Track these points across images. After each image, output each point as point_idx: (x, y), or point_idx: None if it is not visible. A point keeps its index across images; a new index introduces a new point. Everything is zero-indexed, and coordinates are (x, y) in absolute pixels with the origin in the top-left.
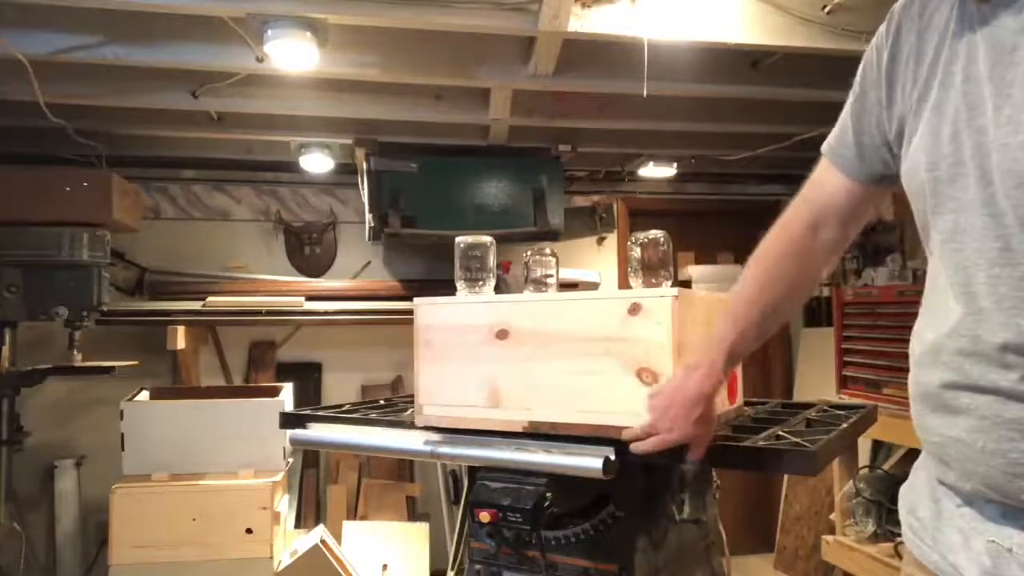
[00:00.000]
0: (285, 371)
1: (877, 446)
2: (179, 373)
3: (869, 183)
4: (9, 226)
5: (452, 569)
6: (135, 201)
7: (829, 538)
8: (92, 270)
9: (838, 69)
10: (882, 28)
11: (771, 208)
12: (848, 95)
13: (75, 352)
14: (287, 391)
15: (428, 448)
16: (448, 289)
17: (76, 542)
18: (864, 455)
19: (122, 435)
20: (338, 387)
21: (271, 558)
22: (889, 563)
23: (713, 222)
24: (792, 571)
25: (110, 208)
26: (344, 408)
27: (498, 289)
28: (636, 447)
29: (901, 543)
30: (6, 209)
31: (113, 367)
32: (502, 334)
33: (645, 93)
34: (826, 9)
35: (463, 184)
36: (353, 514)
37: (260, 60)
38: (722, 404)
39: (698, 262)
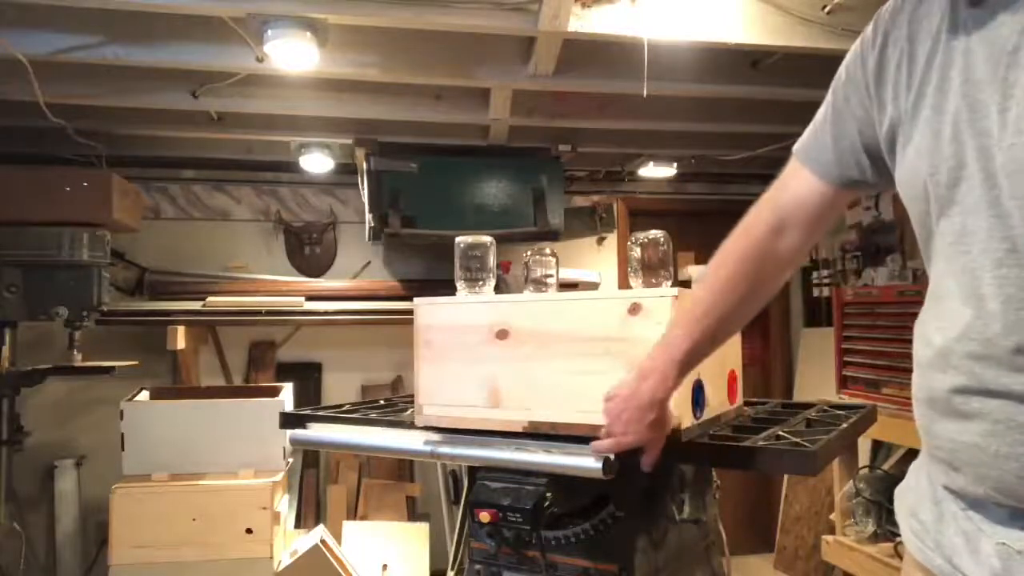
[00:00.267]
0: (285, 371)
1: (877, 446)
2: (179, 373)
3: (840, 187)
4: (9, 226)
5: (452, 569)
6: (135, 201)
7: (829, 538)
8: (92, 270)
9: (838, 69)
10: (867, 33)
11: None
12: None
13: (75, 352)
14: (287, 391)
15: (428, 448)
16: (448, 289)
17: (76, 542)
18: (864, 455)
19: (122, 435)
20: (338, 387)
21: (271, 558)
22: (889, 563)
23: (713, 222)
24: (792, 571)
25: (110, 208)
26: (344, 408)
27: (498, 289)
28: (595, 445)
29: (901, 543)
30: (6, 209)
31: (113, 367)
32: (502, 334)
33: (645, 93)
34: (826, 9)
35: (463, 184)
36: (353, 514)
37: (260, 60)
38: (721, 405)
39: (698, 262)
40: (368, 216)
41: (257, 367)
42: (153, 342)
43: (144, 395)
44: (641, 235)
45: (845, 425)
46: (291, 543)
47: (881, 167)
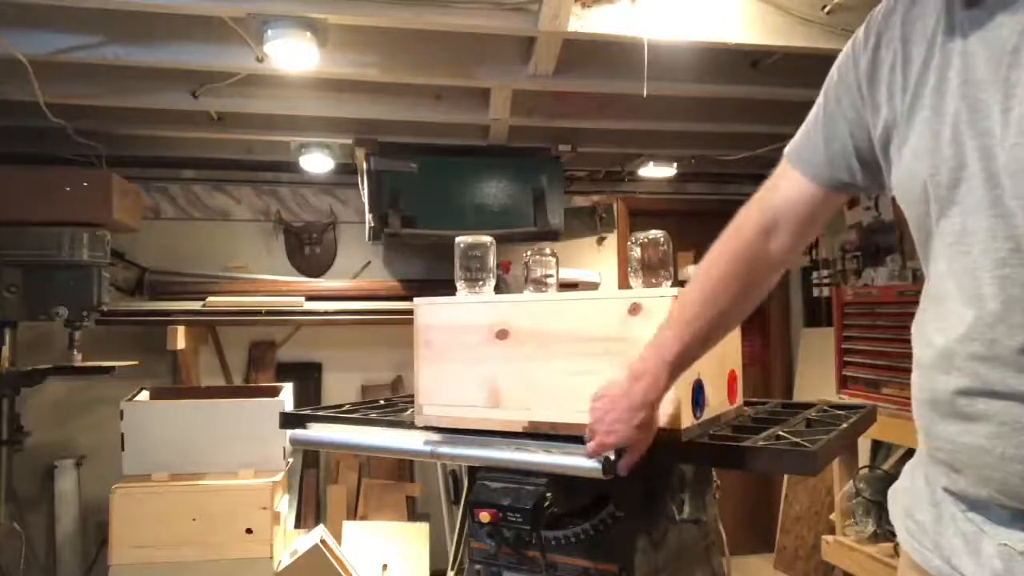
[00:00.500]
0: (285, 371)
1: (877, 446)
2: (179, 373)
3: (830, 190)
4: (9, 226)
5: (452, 569)
6: (135, 201)
7: (829, 538)
8: (92, 270)
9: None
10: (859, 34)
11: None
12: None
13: (75, 352)
14: (287, 391)
15: (428, 448)
16: (448, 289)
17: (76, 542)
18: (864, 455)
19: (122, 435)
20: (338, 387)
21: (271, 558)
22: (889, 563)
23: (713, 222)
24: (792, 571)
25: (110, 208)
26: (344, 408)
27: (498, 289)
28: (588, 447)
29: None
30: (6, 209)
31: (113, 367)
32: (502, 334)
33: (645, 93)
34: (826, 9)
35: (463, 184)
36: (353, 514)
37: (260, 60)
38: (721, 405)
39: (698, 262)
40: (368, 216)
41: (257, 367)
42: (153, 342)
43: (144, 395)
44: (641, 235)
45: (845, 425)
46: (291, 543)
47: (872, 169)
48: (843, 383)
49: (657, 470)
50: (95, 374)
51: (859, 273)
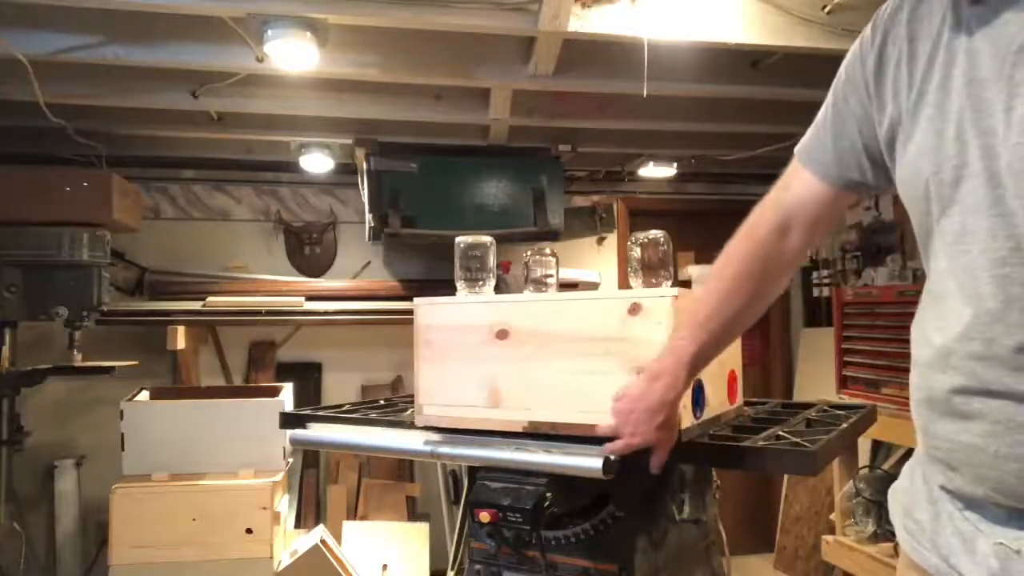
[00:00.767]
0: (285, 371)
1: (877, 446)
2: (179, 373)
3: (841, 188)
4: (9, 226)
5: (452, 569)
6: (135, 201)
7: (829, 538)
8: (92, 270)
9: (838, 69)
10: (866, 33)
11: None
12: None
13: (75, 352)
14: (287, 391)
15: (428, 448)
16: (448, 289)
17: (76, 542)
18: (864, 455)
19: (122, 435)
20: (338, 387)
21: (271, 558)
22: (889, 563)
23: (713, 222)
24: (792, 571)
25: (110, 208)
26: (344, 408)
27: (498, 289)
28: (607, 448)
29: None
30: (6, 209)
31: (113, 367)
32: (502, 334)
33: (645, 93)
34: (826, 9)
35: (463, 184)
36: (353, 514)
37: (260, 60)
38: (721, 405)
39: (698, 262)
40: (368, 216)
41: (257, 367)
42: (153, 342)
43: (144, 395)
44: (641, 235)
45: (845, 425)
46: (291, 543)
47: (882, 168)
48: (843, 383)
49: (659, 470)
50: (95, 374)
51: (859, 273)
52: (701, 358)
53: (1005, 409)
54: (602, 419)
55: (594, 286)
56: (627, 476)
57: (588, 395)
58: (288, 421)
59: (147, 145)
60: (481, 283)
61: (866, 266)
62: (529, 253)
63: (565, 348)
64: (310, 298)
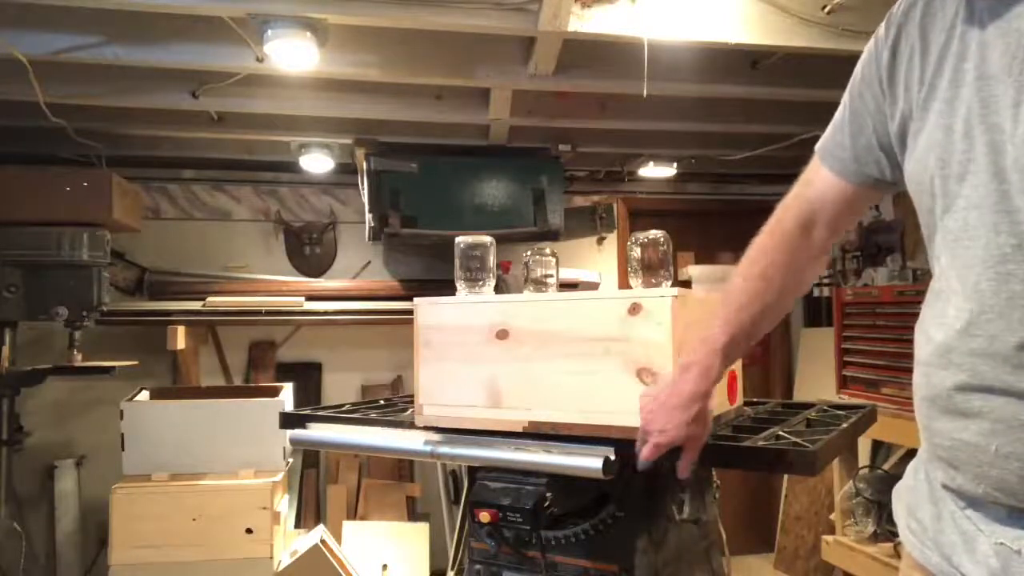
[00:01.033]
0: (285, 371)
1: (877, 446)
2: (179, 373)
3: (860, 185)
4: (9, 226)
5: (452, 569)
6: (135, 201)
7: (829, 538)
8: (92, 270)
9: (838, 69)
10: (880, 30)
11: (771, 208)
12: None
13: (75, 352)
14: (287, 391)
15: (428, 448)
16: (448, 289)
17: (76, 542)
18: (864, 455)
19: (122, 435)
20: (338, 387)
21: (271, 558)
22: (889, 563)
23: (713, 222)
24: (792, 571)
25: (110, 208)
26: (344, 408)
27: (498, 289)
28: (642, 455)
29: (901, 543)
30: (6, 209)
31: (113, 367)
32: (502, 334)
33: (645, 93)
34: (826, 9)
35: (463, 184)
36: (353, 514)
37: (260, 60)
38: (721, 405)
39: (698, 262)
40: (368, 216)
41: (257, 367)
42: (153, 342)
43: (144, 395)
44: (641, 235)
45: (845, 425)
46: (291, 543)
47: (898, 163)
48: (843, 383)
49: (657, 470)
50: (95, 374)
51: (859, 273)
52: (733, 347)
53: (1006, 407)
54: (602, 419)
55: (594, 286)
56: (627, 476)
57: (588, 395)
58: (288, 421)
59: (147, 145)
60: (481, 283)
61: (866, 266)
62: (529, 253)
63: (565, 348)
64: (310, 298)
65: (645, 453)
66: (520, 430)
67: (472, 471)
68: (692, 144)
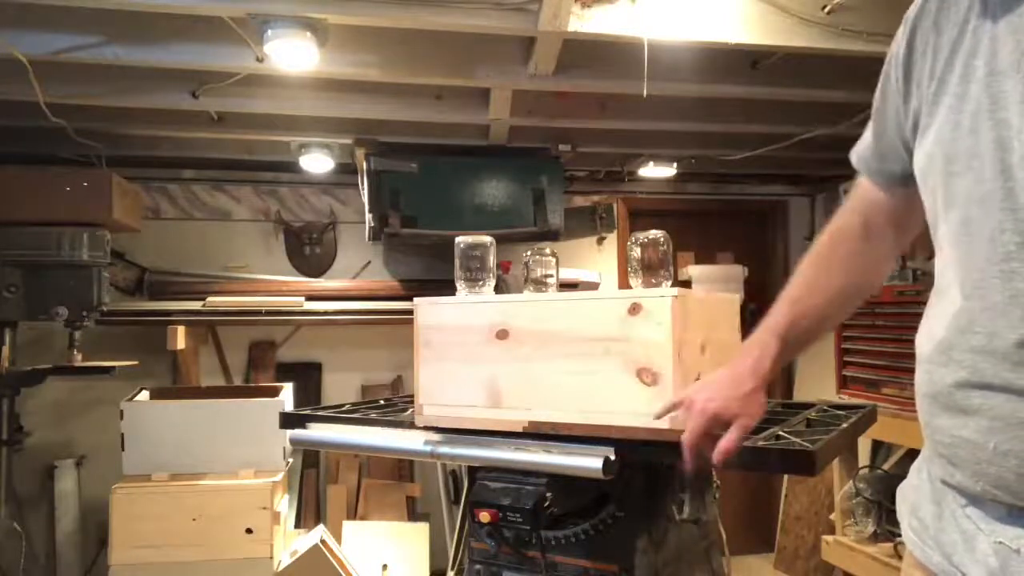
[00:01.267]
0: (285, 371)
1: (877, 446)
2: (179, 373)
3: (888, 185)
4: (9, 226)
5: (452, 569)
6: (135, 201)
7: (829, 538)
8: (92, 270)
9: (838, 69)
10: (898, 33)
11: (771, 208)
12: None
13: (75, 352)
14: (287, 391)
15: (428, 448)
16: (448, 289)
17: (76, 542)
18: (864, 455)
19: (122, 435)
20: (338, 387)
21: (271, 558)
22: (889, 563)
23: (713, 222)
24: (792, 571)
25: (110, 208)
26: (344, 408)
27: (498, 289)
28: (684, 440)
29: (901, 543)
30: (6, 209)
31: (113, 367)
32: (502, 334)
33: (645, 93)
34: (826, 9)
35: (463, 184)
36: (353, 514)
37: (260, 60)
38: None
39: (698, 262)
40: (368, 216)
41: (257, 367)
42: (153, 342)
43: (144, 395)
44: (641, 235)
45: (845, 425)
46: (291, 543)
47: None
48: (843, 383)
49: (657, 470)
50: (95, 374)
51: None
52: (793, 332)
53: (1005, 404)
54: (602, 419)
55: (594, 286)
56: (627, 476)
57: (588, 395)
58: (288, 421)
59: (147, 145)
60: (481, 283)
61: None
62: (529, 253)
63: (565, 348)
64: (310, 298)
65: (691, 424)
66: (520, 430)
67: (472, 471)
68: (692, 144)
